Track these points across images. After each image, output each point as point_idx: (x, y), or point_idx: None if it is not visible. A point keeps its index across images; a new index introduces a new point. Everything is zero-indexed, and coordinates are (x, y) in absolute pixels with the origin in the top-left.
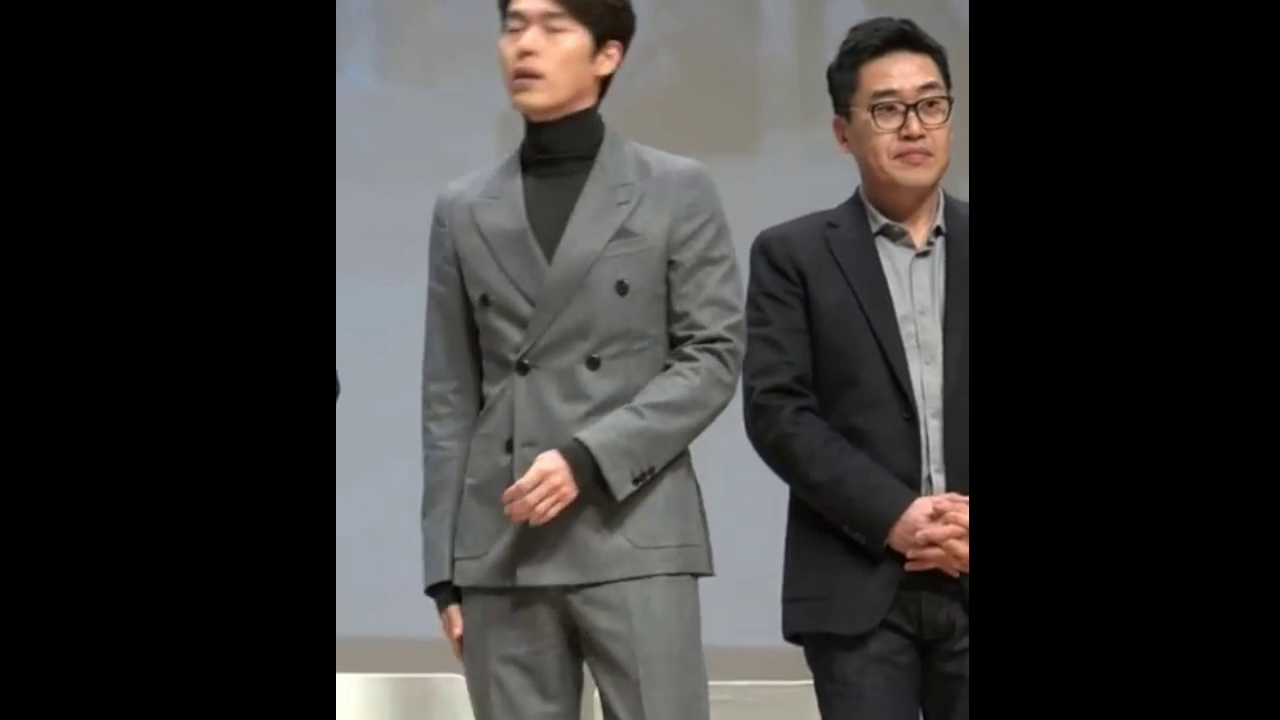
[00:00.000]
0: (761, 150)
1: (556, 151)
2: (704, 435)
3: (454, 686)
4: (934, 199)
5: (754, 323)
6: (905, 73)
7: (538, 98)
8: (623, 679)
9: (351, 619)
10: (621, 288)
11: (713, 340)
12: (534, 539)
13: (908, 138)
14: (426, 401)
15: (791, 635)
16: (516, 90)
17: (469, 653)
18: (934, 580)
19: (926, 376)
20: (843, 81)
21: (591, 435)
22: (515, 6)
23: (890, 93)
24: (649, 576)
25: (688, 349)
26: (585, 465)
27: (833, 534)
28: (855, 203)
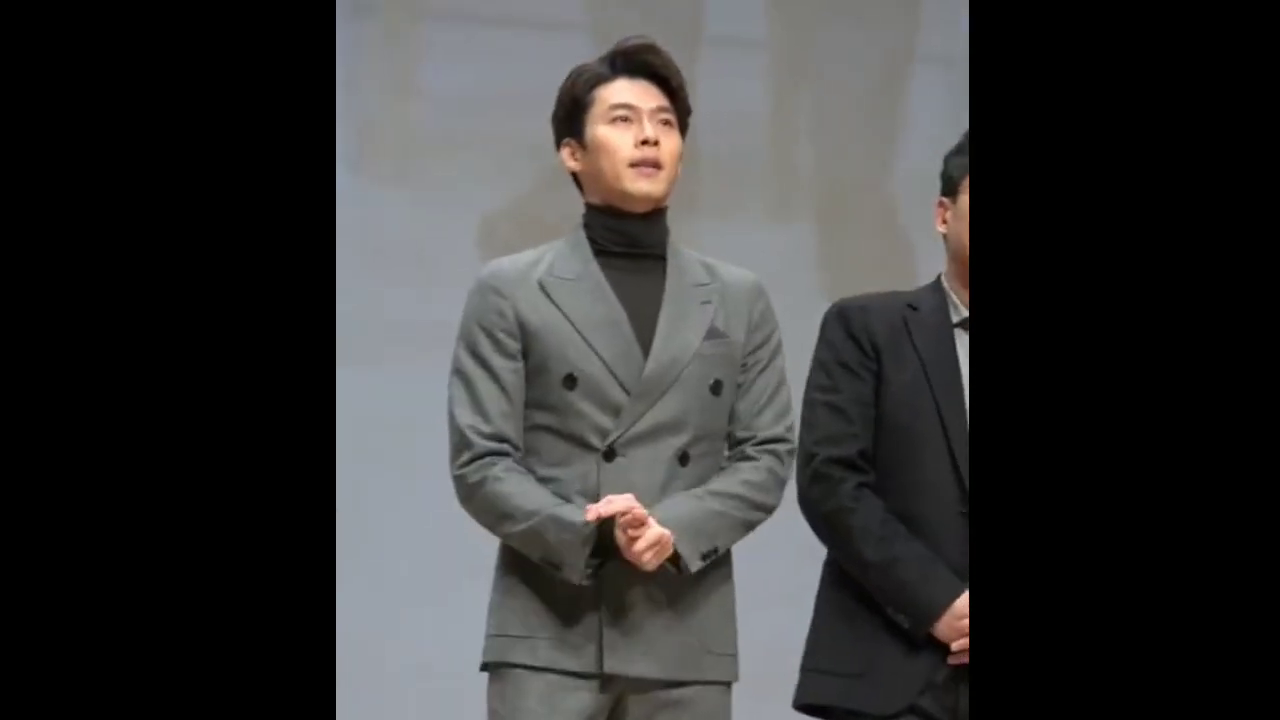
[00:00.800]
0: None
1: (643, 244)
2: None
3: None
4: None
5: (822, 388)
6: None
7: (659, 187)
8: None
9: None
10: (717, 387)
11: (774, 441)
12: (613, 626)
13: None
14: (478, 465)
15: (804, 705)
16: (635, 179)
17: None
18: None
19: None
20: (959, 164)
21: (661, 511)
22: (623, 99)
23: None
24: (711, 684)
25: (749, 449)
26: None
27: (871, 611)
28: (937, 289)
